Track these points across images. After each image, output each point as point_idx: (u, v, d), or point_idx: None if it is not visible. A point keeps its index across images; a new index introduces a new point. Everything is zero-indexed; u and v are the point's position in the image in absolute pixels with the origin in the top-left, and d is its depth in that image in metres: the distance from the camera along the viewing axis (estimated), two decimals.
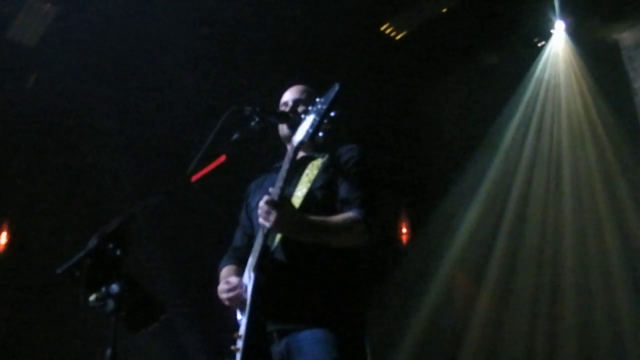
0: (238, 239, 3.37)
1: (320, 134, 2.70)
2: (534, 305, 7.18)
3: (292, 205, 2.78)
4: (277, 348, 2.83)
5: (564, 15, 7.19)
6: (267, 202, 2.67)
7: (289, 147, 2.85)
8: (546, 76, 7.57)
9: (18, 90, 6.43)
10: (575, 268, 6.93)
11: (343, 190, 2.96)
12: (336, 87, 2.69)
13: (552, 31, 7.43)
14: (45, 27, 6.18)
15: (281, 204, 2.68)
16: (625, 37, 7.04)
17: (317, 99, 2.72)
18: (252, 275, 2.82)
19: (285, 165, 2.78)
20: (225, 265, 3.26)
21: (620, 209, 6.76)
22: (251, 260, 2.88)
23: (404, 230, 8.56)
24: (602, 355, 6.54)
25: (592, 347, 6.63)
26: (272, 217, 2.65)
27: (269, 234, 2.81)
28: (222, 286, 3.00)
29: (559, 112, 7.48)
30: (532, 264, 7.27)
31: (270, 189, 2.78)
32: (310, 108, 2.73)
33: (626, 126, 6.85)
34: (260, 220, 2.72)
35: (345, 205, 2.92)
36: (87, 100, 6.40)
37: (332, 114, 2.68)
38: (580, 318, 6.78)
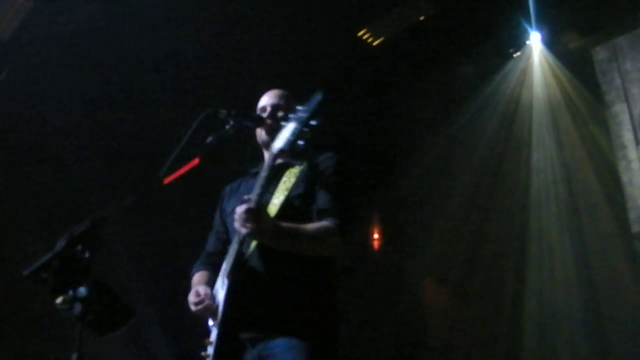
0: (211, 244, 3.34)
1: (301, 142, 2.66)
2: (498, 308, 7.24)
3: (268, 214, 2.76)
4: (249, 356, 2.80)
5: (540, 26, 7.27)
6: (245, 210, 2.64)
7: (267, 154, 2.83)
8: (519, 86, 7.65)
9: None
10: (538, 276, 7.02)
11: (320, 199, 2.95)
12: (318, 96, 2.67)
13: (527, 42, 7.50)
14: (20, 21, 6.08)
15: (258, 211, 2.66)
16: (599, 51, 7.13)
17: (299, 107, 2.69)
18: (226, 281, 2.79)
19: (264, 172, 2.75)
20: (198, 271, 3.23)
21: (581, 218, 6.87)
22: (225, 266, 2.86)
23: (376, 236, 8.58)
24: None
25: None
26: (249, 224, 2.63)
27: (244, 241, 2.78)
28: (191, 297, 2.97)
29: (529, 121, 7.56)
30: (496, 269, 7.34)
31: (247, 196, 2.75)
32: (290, 115, 2.70)
33: (598, 137, 6.96)
34: (236, 226, 2.69)
35: (321, 214, 2.90)
36: (60, 96, 6.30)
37: (313, 122, 2.65)
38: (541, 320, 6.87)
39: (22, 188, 6.43)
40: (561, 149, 7.26)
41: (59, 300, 2.33)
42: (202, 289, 2.96)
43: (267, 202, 2.90)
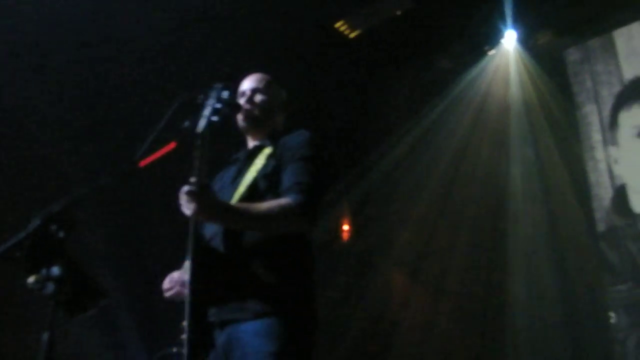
0: None
1: (215, 118, 2.67)
2: (468, 303, 7.32)
3: (212, 193, 2.75)
4: (220, 339, 2.80)
5: (515, 25, 7.34)
6: (187, 191, 2.64)
7: (248, 139, 2.84)
8: (493, 83, 7.71)
9: None
10: (512, 272, 7.10)
11: (285, 177, 2.92)
12: (227, 71, 2.75)
13: (502, 40, 7.57)
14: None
15: (198, 192, 2.64)
16: (572, 52, 7.24)
17: (214, 85, 2.73)
18: (190, 264, 2.79)
19: (197, 152, 2.70)
20: None
21: (552, 219, 6.97)
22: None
23: (345, 227, 8.60)
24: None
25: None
26: (190, 205, 2.62)
27: (196, 222, 2.78)
28: (164, 283, 2.97)
29: (503, 118, 7.62)
30: (467, 262, 7.41)
31: (191, 178, 2.71)
32: (212, 92, 2.75)
33: (568, 138, 7.06)
34: (181, 208, 2.69)
35: (284, 191, 2.87)
36: (33, 78, 6.23)
37: (224, 94, 2.70)
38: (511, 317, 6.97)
39: None
40: (534, 146, 7.33)
41: (31, 279, 2.33)
42: (176, 274, 2.96)
43: (239, 185, 2.91)
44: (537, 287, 6.88)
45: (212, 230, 2.92)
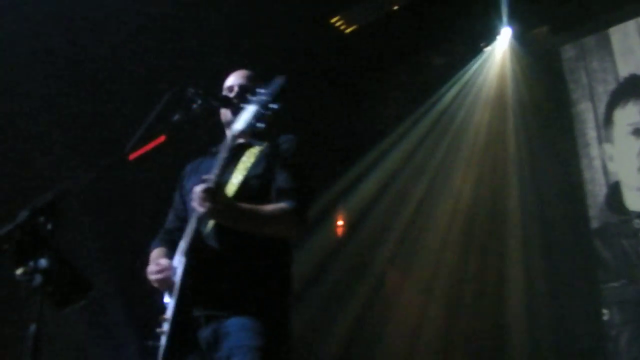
0: (170, 221, 3.36)
1: (260, 124, 2.68)
2: (460, 300, 7.33)
3: (225, 194, 2.80)
4: (204, 333, 2.83)
5: (512, 22, 7.34)
6: (203, 189, 2.66)
7: (228, 135, 2.85)
8: (485, 80, 7.72)
9: None
10: (506, 271, 7.10)
11: (279, 180, 2.97)
12: (280, 80, 2.69)
13: (498, 36, 7.57)
14: None
15: (215, 191, 2.68)
16: (567, 49, 7.24)
17: (260, 89, 2.70)
18: (183, 259, 2.81)
19: (223, 153, 2.77)
20: (156, 247, 3.24)
21: (546, 216, 6.98)
22: (182, 244, 2.88)
23: (340, 222, 8.60)
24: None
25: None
26: (206, 203, 2.65)
27: (201, 220, 2.80)
28: (151, 267, 2.99)
29: (499, 115, 7.62)
30: (460, 260, 7.42)
31: (205, 176, 2.76)
32: (251, 97, 2.71)
33: (562, 135, 7.06)
34: (194, 205, 2.71)
35: (279, 196, 2.93)
36: (25, 69, 6.20)
37: (273, 105, 2.66)
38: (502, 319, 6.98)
39: None
40: (529, 143, 7.32)
41: (19, 271, 2.33)
42: (163, 261, 2.99)
43: (226, 182, 2.93)
44: (530, 283, 6.88)
45: (205, 226, 2.93)
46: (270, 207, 2.88)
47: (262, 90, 2.69)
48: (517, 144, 7.40)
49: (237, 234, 2.84)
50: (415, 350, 7.44)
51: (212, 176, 2.72)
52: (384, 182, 8.16)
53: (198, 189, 2.68)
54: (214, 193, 2.67)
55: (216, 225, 2.87)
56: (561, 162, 7.02)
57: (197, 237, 2.84)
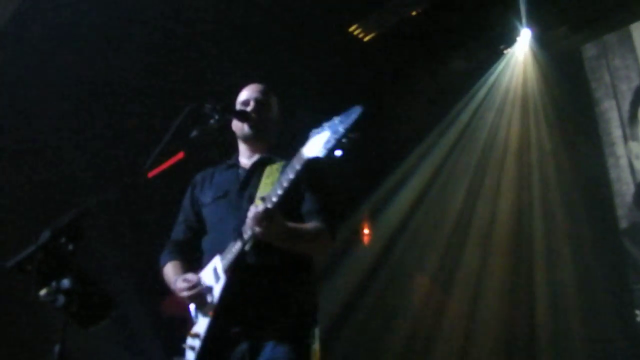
0: (180, 232, 3.32)
1: (339, 152, 2.65)
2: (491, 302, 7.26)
3: (280, 216, 2.76)
4: (238, 353, 2.82)
5: (531, 23, 7.28)
6: (264, 211, 2.65)
7: (246, 147, 2.85)
8: (508, 83, 7.67)
9: None
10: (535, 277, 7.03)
11: (309, 200, 3.00)
12: (358, 110, 2.63)
13: (517, 38, 7.51)
14: (14, 8, 6.06)
15: (275, 212, 2.68)
16: (588, 48, 7.16)
17: (335, 117, 2.64)
18: (224, 277, 2.81)
19: (290, 175, 2.69)
20: (169, 260, 3.22)
21: (574, 217, 6.89)
22: (221, 261, 2.87)
23: (366, 231, 8.59)
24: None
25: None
26: (264, 225, 2.65)
27: (248, 239, 2.78)
28: (181, 284, 2.96)
29: (521, 117, 7.57)
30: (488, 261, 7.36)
31: (263, 195, 2.77)
32: (325, 124, 2.65)
33: (586, 135, 6.98)
34: (249, 224, 2.69)
35: (311, 215, 2.96)
36: (43, 91, 6.27)
37: (351, 135, 2.61)
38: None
39: (7, 180, 6.39)
40: (554, 144, 7.25)
41: (42, 292, 2.35)
42: (191, 277, 2.97)
43: (253, 197, 2.92)
44: (560, 285, 6.79)
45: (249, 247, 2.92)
46: (310, 227, 2.93)
47: (337, 118, 2.64)
48: (541, 145, 7.33)
49: (275, 251, 2.84)
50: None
51: (271, 197, 2.70)
52: (416, 191, 8.13)
53: (256, 209, 2.67)
54: (273, 214, 2.67)
55: (255, 244, 2.84)
56: (587, 162, 6.92)
57: (242, 256, 2.83)
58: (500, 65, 7.72)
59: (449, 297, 7.69)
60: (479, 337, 7.26)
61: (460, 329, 7.40)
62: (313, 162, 3.01)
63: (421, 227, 8.10)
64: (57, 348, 2.25)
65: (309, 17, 6.67)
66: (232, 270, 2.81)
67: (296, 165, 2.68)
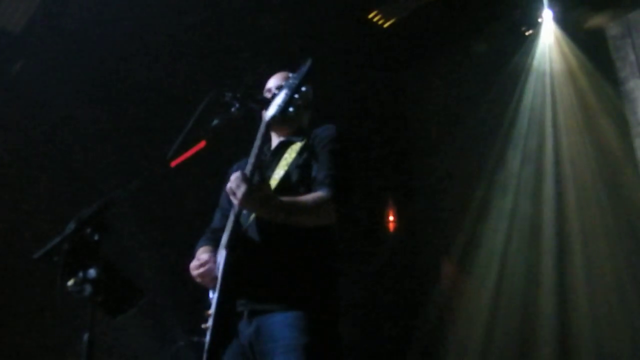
0: (217, 220, 3.36)
1: (291, 108, 2.71)
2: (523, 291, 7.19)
3: (267, 182, 2.79)
4: (247, 329, 2.82)
5: (552, 4, 7.20)
6: (238, 175, 2.66)
7: (262, 124, 2.86)
8: (534, 65, 7.58)
9: (1, 75, 6.38)
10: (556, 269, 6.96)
11: (315, 169, 2.96)
12: (308, 63, 2.70)
13: (539, 20, 7.43)
14: (32, 14, 6.12)
15: (249, 178, 2.67)
16: (612, 26, 7.05)
17: (289, 74, 2.75)
18: (224, 253, 2.81)
19: (257, 141, 2.78)
20: (202, 246, 3.24)
21: (619, 196, 6.77)
22: (224, 239, 2.88)
23: (391, 217, 8.58)
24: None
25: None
26: (240, 191, 2.64)
27: (240, 212, 2.80)
28: (193, 263, 3.00)
29: (549, 100, 7.48)
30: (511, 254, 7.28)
31: (246, 170, 2.77)
32: (282, 84, 2.77)
33: (611, 116, 6.88)
34: (228, 190, 2.70)
35: (317, 184, 2.91)
36: (70, 85, 6.33)
37: (303, 88, 2.70)
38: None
39: (33, 174, 6.48)
40: (583, 127, 7.15)
41: (69, 282, 2.38)
42: (204, 255, 3.00)
43: (269, 178, 2.93)
44: (595, 275, 6.66)
45: (246, 220, 2.94)
46: (306, 197, 2.84)
47: (292, 75, 2.74)
48: (570, 130, 7.24)
49: (278, 226, 2.81)
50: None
51: (248, 166, 2.74)
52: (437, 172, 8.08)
53: (234, 175, 2.68)
54: (248, 181, 2.65)
55: (256, 218, 2.86)
56: (612, 143, 6.82)
57: (237, 229, 2.82)
58: (523, 47, 7.63)
59: (473, 281, 7.63)
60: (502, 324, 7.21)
61: (484, 315, 7.33)
62: (321, 130, 3.10)
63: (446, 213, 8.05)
64: (86, 336, 2.28)
65: (329, 3, 6.65)
66: (230, 245, 2.80)
67: (262, 129, 2.80)
